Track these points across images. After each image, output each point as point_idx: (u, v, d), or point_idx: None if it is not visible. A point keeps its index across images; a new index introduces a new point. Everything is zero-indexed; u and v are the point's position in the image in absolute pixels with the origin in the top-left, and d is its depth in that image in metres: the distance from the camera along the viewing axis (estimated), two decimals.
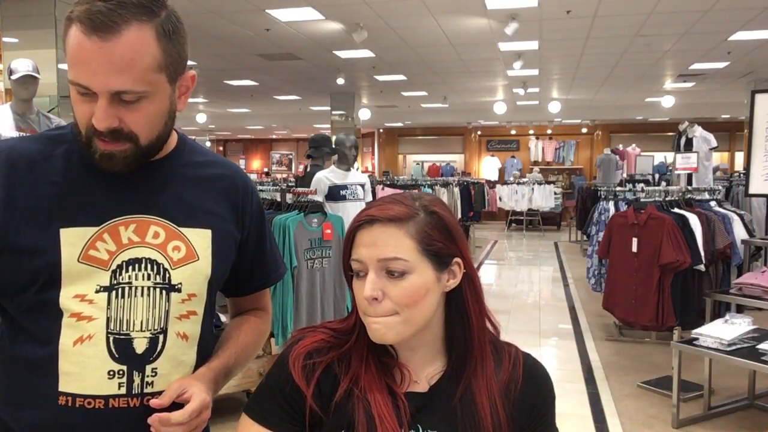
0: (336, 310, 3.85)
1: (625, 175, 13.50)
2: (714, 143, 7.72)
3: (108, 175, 1.03)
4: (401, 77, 11.64)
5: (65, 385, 1.00)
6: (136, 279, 1.04)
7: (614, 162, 14.63)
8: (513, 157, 18.87)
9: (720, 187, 6.36)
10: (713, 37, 8.33)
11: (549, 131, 19.00)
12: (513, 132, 19.13)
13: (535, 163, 18.64)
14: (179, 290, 1.08)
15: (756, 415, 3.82)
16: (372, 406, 0.92)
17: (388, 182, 9.93)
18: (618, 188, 7.46)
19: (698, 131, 7.58)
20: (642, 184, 7.68)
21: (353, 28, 7.60)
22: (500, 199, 14.24)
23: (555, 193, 14.46)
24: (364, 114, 14.54)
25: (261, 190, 5.09)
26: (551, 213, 15.09)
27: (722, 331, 3.44)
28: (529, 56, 9.49)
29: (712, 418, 3.75)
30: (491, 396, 0.96)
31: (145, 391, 1.03)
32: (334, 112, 13.89)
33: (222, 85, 12.38)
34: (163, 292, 1.06)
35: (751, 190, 5.11)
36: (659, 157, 16.51)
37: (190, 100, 13.91)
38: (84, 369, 1.00)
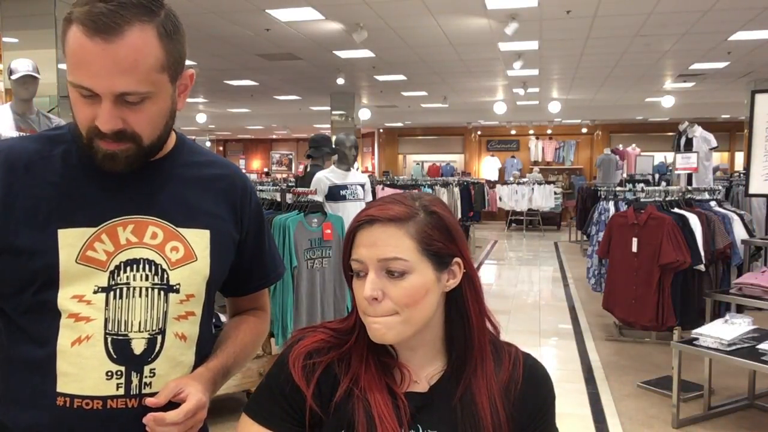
0: (336, 310, 3.85)
1: (625, 175, 13.49)
2: (714, 143, 7.72)
3: (106, 176, 1.03)
4: (401, 77, 11.64)
5: (63, 385, 1.00)
6: (134, 280, 1.04)
7: (614, 162, 14.63)
8: (513, 157, 18.87)
9: (720, 187, 6.36)
10: (713, 37, 8.33)
11: (549, 131, 19.00)
12: (513, 132, 19.14)
13: (535, 163, 18.64)
14: (177, 291, 1.07)
15: (756, 415, 3.82)
16: (372, 406, 0.92)
17: (388, 182, 9.93)
18: (618, 188, 7.46)
19: (698, 131, 7.58)
20: (642, 184, 7.68)
21: (353, 28, 7.60)
22: (500, 199, 14.24)
23: (555, 193, 14.46)
24: (364, 114, 14.54)
25: (261, 190, 5.09)
26: (551, 213, 15.09)
27: (722, 331, 3.44)
28: (529, 56, 9.49)
29: (712, 418, 3.75)
30: (491, 396, 0.96)
31: (144, 391, 1.03)
32: (334, 112, 13.89)
33: (222, 85, 12.38)
34: (162, 292, 1.06)
35: (751, 190, 5.11)
36: (659, 157, 16.50)
37: (190, 100, 13.92)
38: (82, 370, 1.00)
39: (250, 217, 1.21)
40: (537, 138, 18.93)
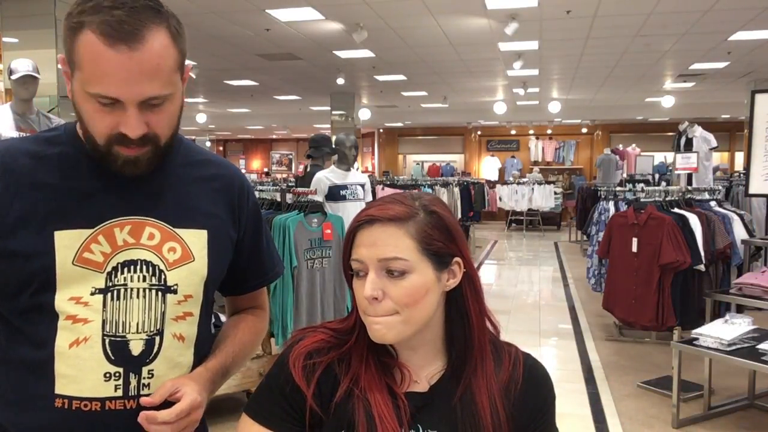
0: (336, 310, 3.85)
1: (625, 175, 13.49)
2: (714, 143, 7.72)
3: (102, 177, 1.03)
4: (401, 77, 11.64)
5: (61, 387, 1.00)
6: (132, 281, 1.04)
7: (614, 162, 14.63)
8: (513, 157, 18.87)
9: (720, 187, 6.36)
10: (713, 37, 8.33)
11: (549, 131, 19.00)
12: (513, 132, 19.13)
13: (535, 163, 18.64)
14: (175, 291, 1.07)
15: (756, 415, 3.82)
16: (372, 406, 0.92)
17: (388, 182, 9.93)
18: (618, 188, 7.46)
19: (698, 131, 7.59)
20: (642, 184, 7.68)
21: (353, 28, 7.60)
22: (500, 199, 14.24)
23: (555, 193, 14.46)
24: (364, 114, 14.54)
25: (261, 190, 5.10)
26: (551, 213, 15.09)
27: (722, 331, 3.44)
28: (529, 56, 9.48)
29: (712, 418, 3.75)
30: (491, 395, 0.96)
31: (142, 393, 1.03)
32: (334, 112, 13.89)
33: (222, 85, 12.38)
34: (159, 293, 1.05)
35: (751, 190, 5.11)
36: (659, 157, 16.51)
37: (191, 100, 13.95)
38: (80, 371, 1.00)
39: (247, 216, 1.21)
40: (537, 138, 18.93)
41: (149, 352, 1.04)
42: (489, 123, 18.34)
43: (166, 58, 0.96)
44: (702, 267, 4.60)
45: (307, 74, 11.12)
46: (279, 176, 12.24)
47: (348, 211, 4.43)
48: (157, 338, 1.05)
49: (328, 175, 4.67)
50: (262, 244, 1.26)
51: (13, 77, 4.05)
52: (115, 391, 1.01)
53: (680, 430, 3.59)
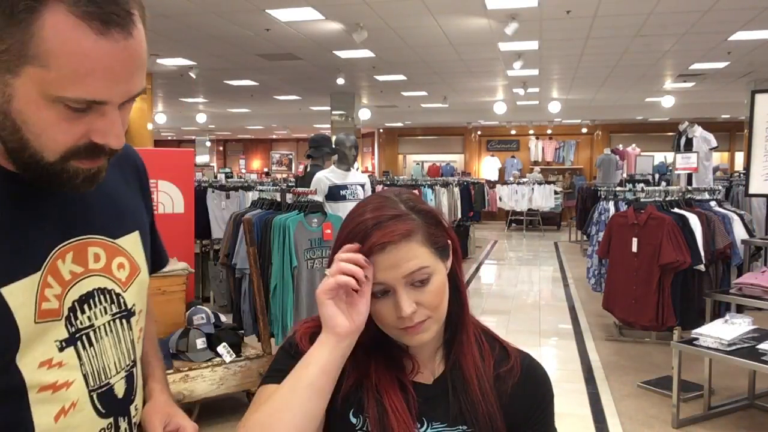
0: None
1: (625, 175, 13.50)
2: (714, 143, 7.73)
3: (27, 202, 0.82)
4: (401, 77, 11.64)
5: None
6: (96, 318, 0.87)
7: (614, 162, 14.63)
8: (513, 157, 18.88)
9: (720, 187, 6.36)
10: (713, 37, 8.34)
11: (549, 131, 19.01)
12: (513, 132, 19.15)
13: (535, 163, 18.65)
14: (134, 313, 0.95)
15: (756, 415, 3.82)
16: (384, 398, 0.93)
17: (388, 182, 9.93)
18: (618, 188, 7.46)
19: (698, 131, 7.59)
20: (642, 184, 7.67)
21: (353, 28, 7.60)
22: (500, 199, 14.25)
23: (555, 193, 14.46)
24: (364, 114, 14.54)
25: (261, 190, 5.11)
26: (551, 213, 15.09)
27: (722, 331, 3.44)
28: (529, 56, 9.49)
29: (712, 418, 3.75)
30: (476, 363, 0.98)
31: None
32: (334, 112, 13.89)
33: (222, 85, 12.38)
34: (123, 320, 0.93)
35: (751, 190, 5.11)
36: (659, 157, 16.52)
37: (190, 100, 13.89)
38: None
39: (150, 199, 1.07)
40: (537, 138, 18.94)
41: (131, 389, 0.94)
42: (489, 123, 18.35)
43: (145, 46, 0.77)
44: (702, 267, 4.60)
45: (307, 74, 11.13)
46: (279, 176, 12.26)
47: (348, 211, 4.42)
48: (134, 370, 0.95)
49: (328, 175, 4.67)
50: (156, 230, 1.10)
51: None
52: None
53: (680, 430, 3.59)
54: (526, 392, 1.00)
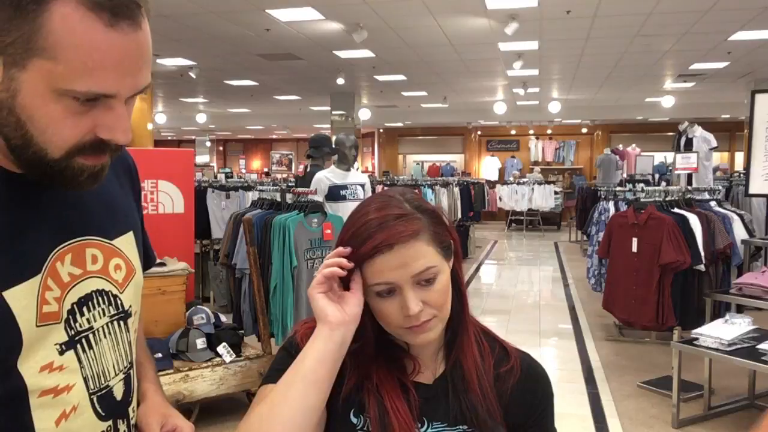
0: None
1: (625, 175, 13.50)
2: (714, 143, 7.73)
3: (25, 202, 0.81)
4: (401, 77, 11.64)
5: None
6: (95, 320, 0.87)
7: (614, 162, 14.63)
8: (513, 157, 18.88)
9: (720, 187, 6.36)
10: (713, 37, 8.34)
11: (549, 131, 19.01)
12: (513, 132, 19.15)
13: (535, 163, 18.64)
14: (131, 314, 0.95)
15: (756, 415, 3.80)
16: (385, 398, 0.93)
17: (388, 182, 9.93)
18: (618, 188, 7.46)
19: (698, 131, 7.60)
20: (642, 184, 7.67)
21: (353, 28, 7.60)
22: (500, 199, 14.25)
23: (555, 193, 14.46)
24: (364, 114, 14.54)
25: (261, 190, 5.10)
26: (551, 213, 15.09)
27: (722, 331, 3.44)
28: (529, 56, 9.49)
29: (712, 418, 3.75)
30: (476, 363, 0.98)
31: None
32: (334, 112, 13.89)
33: (222, 85, 12.38)
34: (121, 322, 0.93)
35: (751, 190, 5.11)
36: (659, 157, 16.50)
37: (191, 100, 13.87)
38: None
39: (140, 198, 1.07)
40: (537, 138, 18.94)
41: (129, 391, 0.94)
42: (489, 123, 18.35)
43: (150, 39, 0.76)
44: (702, 267, 4.60)
45: (307, 74, 11.13)
46: (279, 176, 12.26)
47: (348, 211, 4.41)
48: (132, 371, 0.95)
49: (328, 175, 4.67)
50: (145, 231, 1.09)
51: None
52: None
53: (680, 430, 3.59)
54: (526, 392, 1.00)
